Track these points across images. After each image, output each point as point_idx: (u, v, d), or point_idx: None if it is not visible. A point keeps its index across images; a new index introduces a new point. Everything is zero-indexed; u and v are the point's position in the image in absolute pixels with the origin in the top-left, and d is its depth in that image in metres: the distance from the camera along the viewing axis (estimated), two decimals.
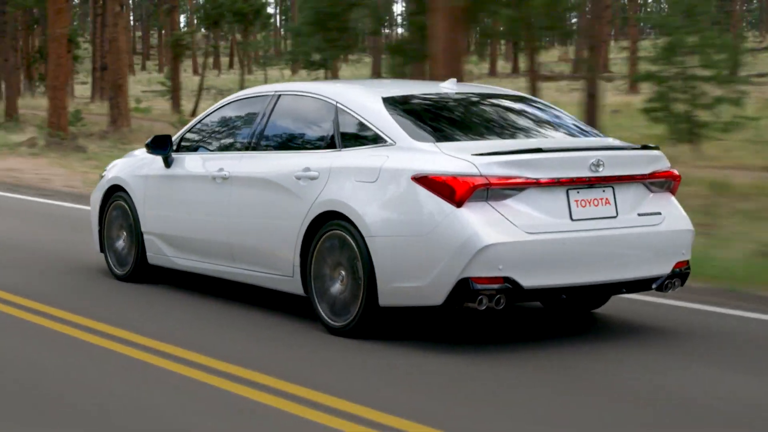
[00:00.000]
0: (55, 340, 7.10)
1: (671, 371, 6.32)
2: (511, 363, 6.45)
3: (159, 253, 8.80)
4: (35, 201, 15.76)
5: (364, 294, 6.88)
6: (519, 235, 6.53)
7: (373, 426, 5.22)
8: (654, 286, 7.07)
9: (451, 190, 6.53)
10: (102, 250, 9.45)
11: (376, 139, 7.12)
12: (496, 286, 6.51)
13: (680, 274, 7.15)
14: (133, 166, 9.22)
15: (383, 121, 7.15)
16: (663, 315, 7.80)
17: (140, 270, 9.03)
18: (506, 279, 6.52)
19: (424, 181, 6.63)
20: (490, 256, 6.46)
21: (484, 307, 6.54)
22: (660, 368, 6.37)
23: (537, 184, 6.64)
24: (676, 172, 7.27)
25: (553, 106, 7.99)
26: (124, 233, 9.18)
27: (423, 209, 6.63)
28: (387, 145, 7.03)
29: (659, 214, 7.08)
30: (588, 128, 7.65)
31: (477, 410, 5.55)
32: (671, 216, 7.14)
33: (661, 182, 7.16)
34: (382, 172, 6.87)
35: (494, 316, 7.67)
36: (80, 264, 9.96)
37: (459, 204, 6.52)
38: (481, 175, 6.53)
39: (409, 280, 6.68)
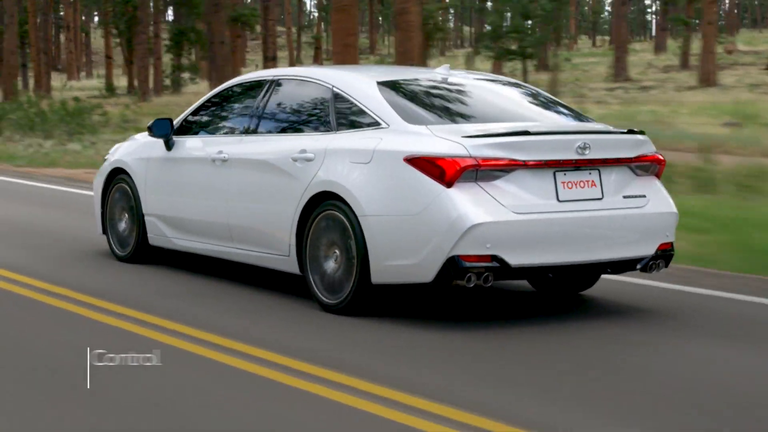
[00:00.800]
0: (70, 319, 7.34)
1: (661, 348, 6.55)
2: (509, 340, 6.67)
3: (160, 234, 9.02)
4: None
5: (357, 272, 7.10)
6: (507, 215, 6.75)
7: (377, 400, 5.45)
8: (638, 266, 7.29)
9: (441, 170, 6.75)
10: (104, 231, 9.67)
11: (370, 122, 7.34)
12: (484, 264, 6.73)
13: (664, 255, 7.36)
14: (135, 149, 9.44)
15: (377, 104, 7.37)
16: (652, 295, 8.03)
17: (141, 251, 9.26)
18: (494, 257, 6.73)
19: (416, 162, 6.85)
20: (479, 235, 6.68)
21: (472, 285, 6.76)
22: (651, 344, 6.60)
23: (525, 165, 6.85)
24: (661, 156, 7.48)
25: (542, 91, 8.22)
26: (126, 215, 9.40)
27: (414, 189, 6.85)
28: (381, 128, 7.25)
29: (644, 196, 7.29)
30: (576, 112, 7.86)
31: (479, 384, 5.77)
32: (656, 199, 7.35)
33: (647, 166, 7.37)
34: (376, 154, 7.09)
35: (490, 298, 7.90)
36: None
37: (449, 184, 6.73)
38: (470, 157, 6.74)
39: (400, 258, 6.90)
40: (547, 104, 7.90)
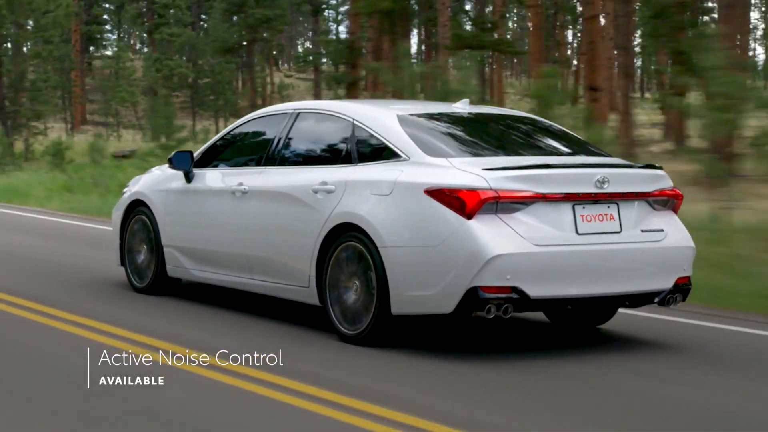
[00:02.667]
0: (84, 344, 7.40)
1: (677, 380, 6.58)
2: (529, 371, 6.73)
3: (178, 265, 9.09)
4: None
5: (377, 303, 7.15)
6: (526, 247, 6.81)
7: (395, 426, 5.50)
8: (656, 300, 7.33)
9: (461, 202, 6.81)
10: (122, 263, 9.74)
11: (390, 155, 7.42)
12: (504, 295, 6.78)
13: (682, 289, 7.41)
14: (154, 181, 9.53)
15: (398, 137, 7.45)
16: (666, 330, 8.06)
17: (159, 282, 9.32)
18: (514, 288, 6.79)
19: (437, 194, 6.92)
20: (499, 266, 6.73)
21: (492, 316, 6.80)
22: (667, 378, 6.63)
23: (544, 198, 6.92)
24: (678, 191, 7.55)
25: (560, 126, 8.30)
26: (145, 246, 9.47)
27: (435, 221, 6.91)
28: (401, 160, 7.33)
29: (662, 231, 7.35)
30: (594, 147, 7.94)
31: (498, 412, 5.83)
32: (673, 233, 7.41)
33: (664, 200, 7.44)
34: (397, 186, 7.16)
35: (510, 332, 7.94)
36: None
37: (469, 216, 6.80)
38: (490, 189, 6.82)
39: (420, 289, 6.95)
40: (564, 138, 7.98)
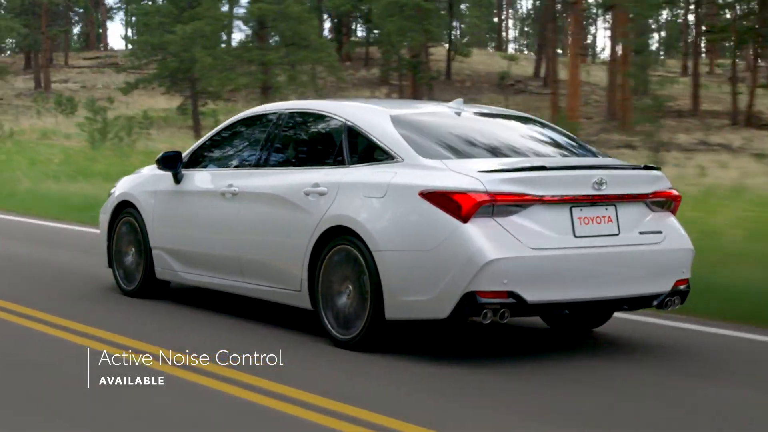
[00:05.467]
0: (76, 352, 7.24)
1: (669, 384, 6.47)
2: (527, 376, 6.61)
3: (167, 268, 8.93)
4: None
5: (370, 307, 7.01)
6: (523, 251, 6.67)
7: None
8: (654, 303, 7.21)
9: (457, 205, 6.67)
10: (110, 265, 9.57)
11: (384, 156, 7.27)
12: (500, 300, 6.65)
13: (680, 292, 7.29)
14: (142, 183, 9.37)
15: (391, 138, 7.31)
16: (662, 334, 7.95)
17: (148, 285, 9.16)
18: (510, 293, 6.65)
19: (431, 196, 6.78)
20: (495, 271, 6.60)
21: (488, 321, 6.67)
22: (657, 381, 6.52)
23: (541, 201, 6.79)
24: (676, 192, 7.43)
25: (557, 126, 8.17)
26: (133, 249, 9.30)
27: (430, 224, 6.77)
28: (395, 162, 7.18)
29: (660, 232, 7.22)
30: (591, 148, 7.81)
31: (494, 417, 5.70)
32: (672, 235, 7.29)
33: (662, 202, 7.32)
34: (390, 188, 7.02)
35: (504, 334, 7.81)
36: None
37: (465, 219, 6.66)
38: (486, 192, 6.68)
39: (415, 294, 6.81)
40: (560, 139, 7.85)
